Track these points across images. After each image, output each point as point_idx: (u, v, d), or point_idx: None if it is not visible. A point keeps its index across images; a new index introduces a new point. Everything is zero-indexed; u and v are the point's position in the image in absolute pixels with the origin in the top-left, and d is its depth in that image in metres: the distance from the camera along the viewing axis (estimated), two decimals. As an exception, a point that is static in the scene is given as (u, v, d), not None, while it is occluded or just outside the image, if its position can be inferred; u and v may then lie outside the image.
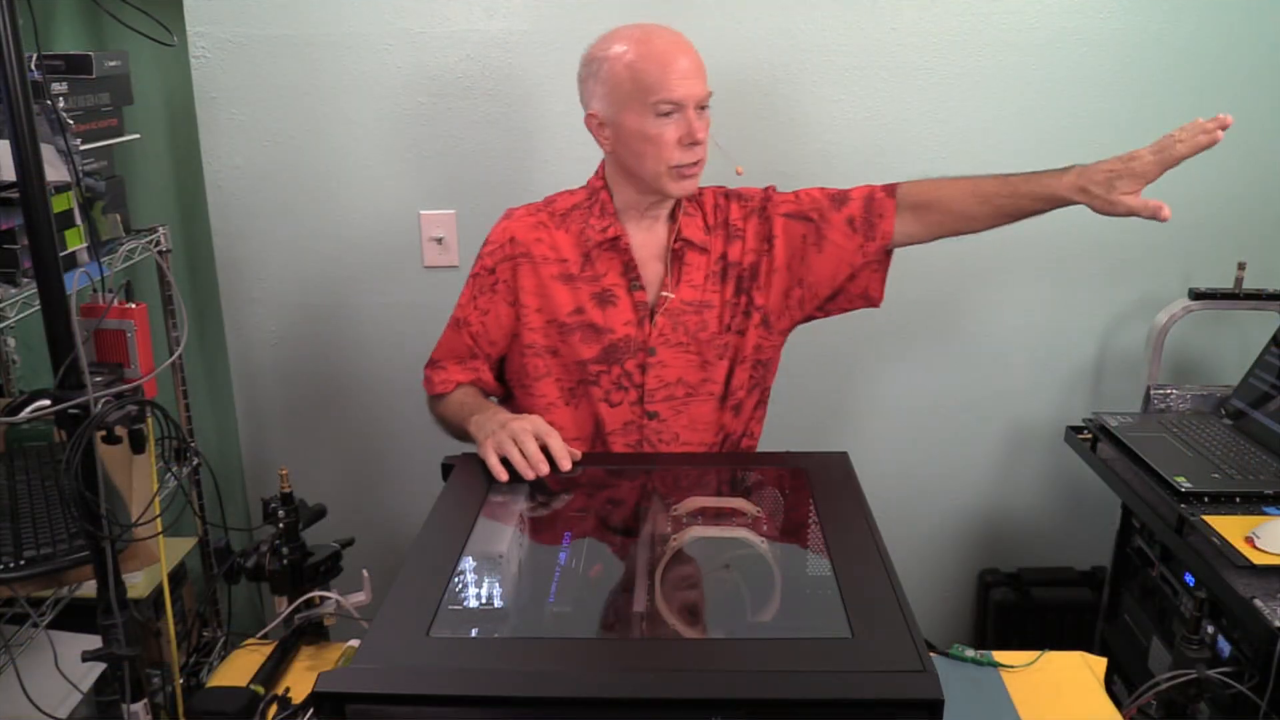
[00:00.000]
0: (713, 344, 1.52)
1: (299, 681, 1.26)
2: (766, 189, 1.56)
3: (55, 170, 1.56)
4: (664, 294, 1.50)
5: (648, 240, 1.52)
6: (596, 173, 1.54)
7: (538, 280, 1.51)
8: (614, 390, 1.51)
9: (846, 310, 1.59)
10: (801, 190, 1.55)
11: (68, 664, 1.27)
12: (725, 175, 1.56)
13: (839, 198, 1.52)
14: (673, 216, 1.52)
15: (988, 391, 2.16)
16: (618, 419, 1.52)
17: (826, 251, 1.51)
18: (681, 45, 1.43)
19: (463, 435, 1.48)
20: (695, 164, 1.44)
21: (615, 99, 1.43)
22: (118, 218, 1.79)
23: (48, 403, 1.08)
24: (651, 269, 1.52)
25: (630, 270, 1.50)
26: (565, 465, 1.32)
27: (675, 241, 1.51)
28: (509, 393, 1.61)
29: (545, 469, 1.30)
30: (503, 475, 1.30)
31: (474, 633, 0.98)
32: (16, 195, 1.15)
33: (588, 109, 1.47)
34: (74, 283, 1.10)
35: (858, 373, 2.16)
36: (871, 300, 1.57)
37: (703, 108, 1.43)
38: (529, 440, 1.32)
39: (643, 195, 1.49)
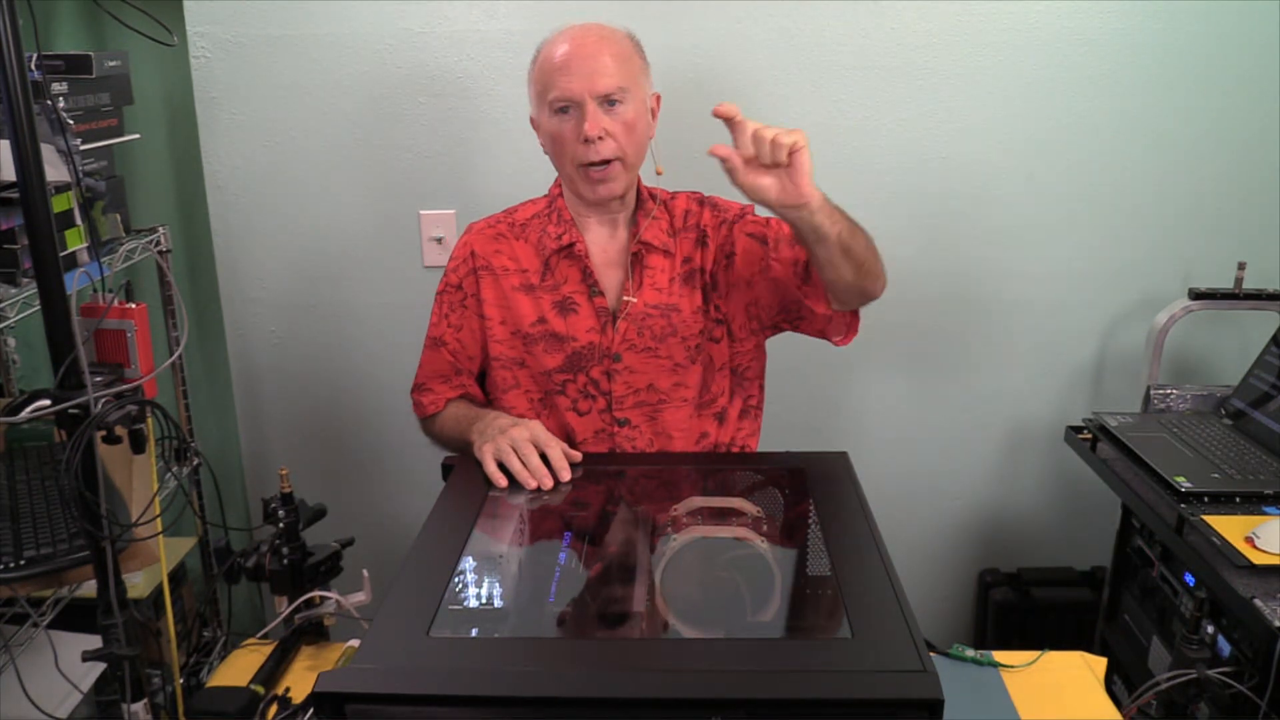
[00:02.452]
0: (682, 347, 1.49)
1: (299, 681, 1.26)
2: (745, 206, 1.52)
3: (55, 170, 1.56)
4: (626, 299, 1.49)
5: (608, 245, 1.51)
6: (556, 180, 1.54)
7: (499, 292, 1.51)
8: (580, 399, 1.50)
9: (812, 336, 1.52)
10: (774, 219, 1.50)
11: (68, 664, 1.27)
12: (700, 180, 1.53)
13: (795, 242, 1.45)
14: (635, 220, 1.51)
15: (987, 391, 2.16)
16: (587, 428, 1.50)
17: (770, 277, 1.48)
18: (582, 41, 1.40)
19: (464, 448, 1.46)
20: (603, 163, 1.41)
21: (533, 101, 1.46)
22: (118, 218, 1.79)
23: (48, 403, 1.08)
24: (612, 274, 1.50)
25: (589, 276, 1.49)
26: (565, 476, 1.31)
27: (634, 245, 1.49)
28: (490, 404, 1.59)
29: (548, 482, 1.29)
30: (501, 481, 1.30)
31: (474, 633, 0.98)
32: (16, 195, 1.15)
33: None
34: (74, 283, 1.10)
35: (858, 373, 2.16)
36: (830, 341, 1.49)
37: (613, 103, 1.39)
38: (529, 450, 1.32)
39: (582, 199, 1.48)
